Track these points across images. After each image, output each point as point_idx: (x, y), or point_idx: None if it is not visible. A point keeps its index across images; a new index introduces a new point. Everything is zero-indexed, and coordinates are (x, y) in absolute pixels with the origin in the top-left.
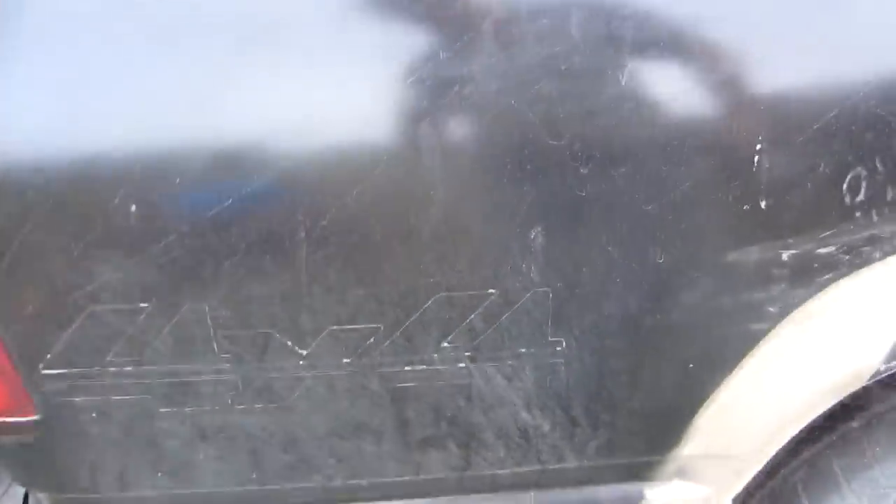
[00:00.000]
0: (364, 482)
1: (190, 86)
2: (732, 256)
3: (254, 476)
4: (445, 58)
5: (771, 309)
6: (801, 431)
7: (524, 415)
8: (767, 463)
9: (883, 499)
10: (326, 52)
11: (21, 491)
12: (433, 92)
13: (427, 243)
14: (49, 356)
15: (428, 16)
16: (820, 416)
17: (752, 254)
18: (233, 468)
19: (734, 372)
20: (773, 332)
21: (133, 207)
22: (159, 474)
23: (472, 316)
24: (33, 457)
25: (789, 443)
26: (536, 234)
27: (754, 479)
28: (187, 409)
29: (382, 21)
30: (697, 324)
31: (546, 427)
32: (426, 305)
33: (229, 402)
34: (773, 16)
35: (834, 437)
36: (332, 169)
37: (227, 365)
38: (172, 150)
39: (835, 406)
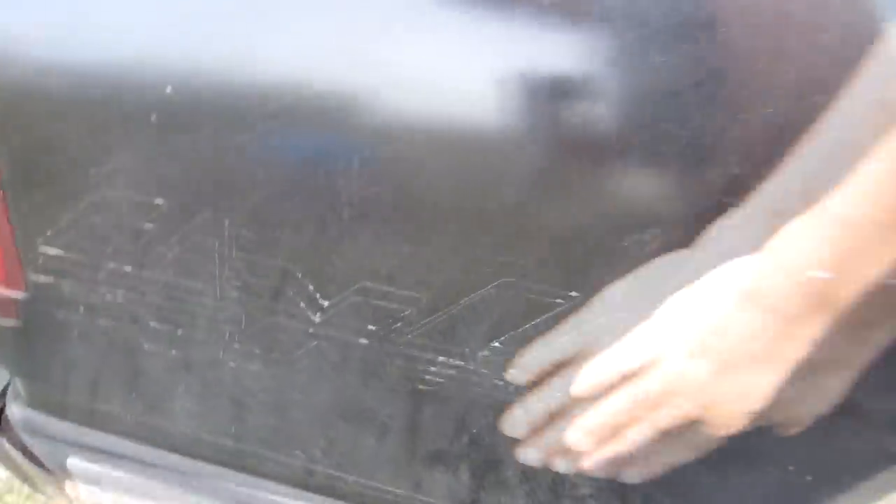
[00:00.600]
0: (349, 478)
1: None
2: None
3: (232, 429)
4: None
5: None
6: None
7: None
8: None
9: None
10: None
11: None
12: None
13: (510, 212)
14: (50, 232)
15: None
16: None
17: None
18: (211, 413)
19: None
20: None
21: (169, 88)
22: (132, 395)
23: (540, 319)
24: (16, 337)
25: None
26: (652, 238)
27: None
28: (179, 332)
29: None
30: None
31: (584, 490)
32: (487, 289)
33: (227, 336)
34: None
35: None
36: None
37: (235, 293)
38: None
39: None
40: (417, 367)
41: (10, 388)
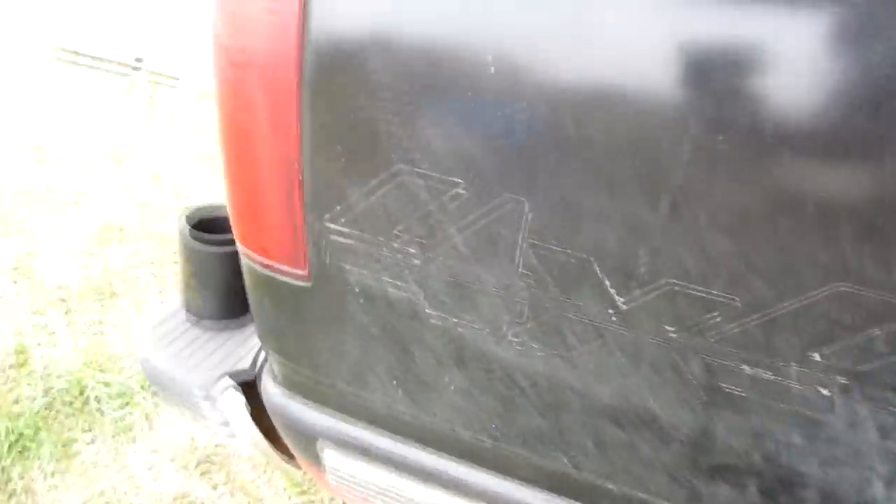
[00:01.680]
0: (614, 488)
1: None
2: None
3: (493, 426)
4: None
5: None
6: None
7: (877, 486)
8: None
9: None
10: None
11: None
12: None
13: (849, 207)
14: (339, 207)
15: None
16: None
17: None
18: (475, 409)
19: None
20: None
21: (492, 69)
22: (395, 384)
23: (877, 330)
24: (283, 314)
25: None
26: None
27: None
28: (454, 321)
29: None
30: None
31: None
32: (815, 295)
33: (505, 328)
34: None
35: None
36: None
37: (523, 283)
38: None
39: None
40: None
41: (264, 367)
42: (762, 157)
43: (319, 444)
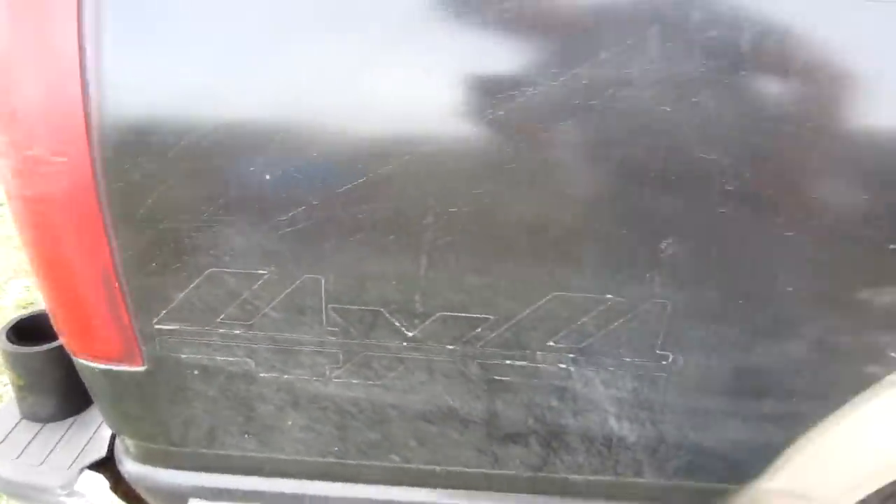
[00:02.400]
0: (439, 468)
1: (333, 70)
2: (865, 294)
3: (335, 449)
4: (604, 59)
5: (893, 354)
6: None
7: (613, 423)
8: None
9: None
10: (478, 51)
11: (107, 433)
12: (585, 91)
13: (552, 242)
14: (164, 311)
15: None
16: None
17: (888, 295)
18: (318, 439)
19: (837, 410)
20: (890, 378)
21: (267, 176)
22: (246, 436)
23: (584, 319)
24: (131, 406)
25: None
26: (667, 246)
27: None
28: (285, 377)
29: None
30: (812, 357)
31: (632, 439)
32: (540, 302)
33: (327, 373)
34: None
35: None
36: (467, 162)
37: (333, 338)
38: (312, 125)
39: None
40: None
41: (116, 448)
42: (477, 226)
43: (187, 500)
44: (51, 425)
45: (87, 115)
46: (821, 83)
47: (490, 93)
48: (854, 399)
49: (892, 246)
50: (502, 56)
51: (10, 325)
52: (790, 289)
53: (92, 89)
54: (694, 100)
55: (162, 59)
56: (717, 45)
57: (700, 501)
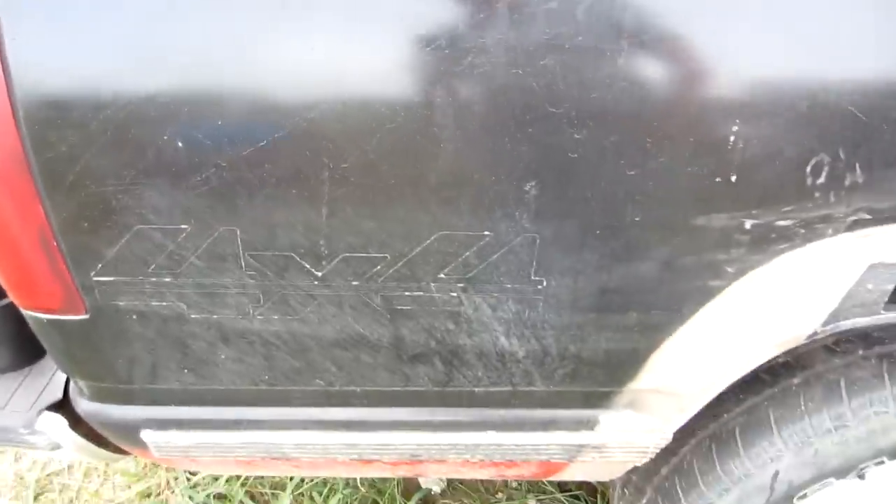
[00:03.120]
0: (358, 389)
1: (234, 37)
2: (701, 221)
3: (265, 377)
4: (463, 29)
5: (729, 269)
6: (747, 383)
7: (503, 341)
8: (714, 407)
9: (806, 447)
10: (362, 15)
11: (62, 378)
12: (449, 58)
13: (434, 189)
14: (100, 265)
15: None
16: (766, 372)
17: (720, 220)
18: (248, 369)
19: (689, 320)
20: (728, 290)
21: (179, 143)
22: (185, 371)
23: (468, 253)
24: (79, 351)
25: (735, 392)
26: (531, 188)
27: (700, 419)
28: (214, 317)
29: None
30: (662, 275)
31: (520, 353)
32: (428, 241)
33: (250, 312)
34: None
35: (775, 390)
36: (356, 119)
37: (252, 281)
38: (214, 97)
39: (781, 363)
40: None
41: (70, 391)
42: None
43: (140, 431)
44: (9, 375)
45: (10, 97)
46: (641, 47)
47: (367, 62)
48: (702, 309)
49: (717, 178)
50: (381, 26)
51: None
52: (637, 219)
53: (14, 73)
54: (542, 63)
55: (76, 41)
56: (557, 16)
57: (588, 403)
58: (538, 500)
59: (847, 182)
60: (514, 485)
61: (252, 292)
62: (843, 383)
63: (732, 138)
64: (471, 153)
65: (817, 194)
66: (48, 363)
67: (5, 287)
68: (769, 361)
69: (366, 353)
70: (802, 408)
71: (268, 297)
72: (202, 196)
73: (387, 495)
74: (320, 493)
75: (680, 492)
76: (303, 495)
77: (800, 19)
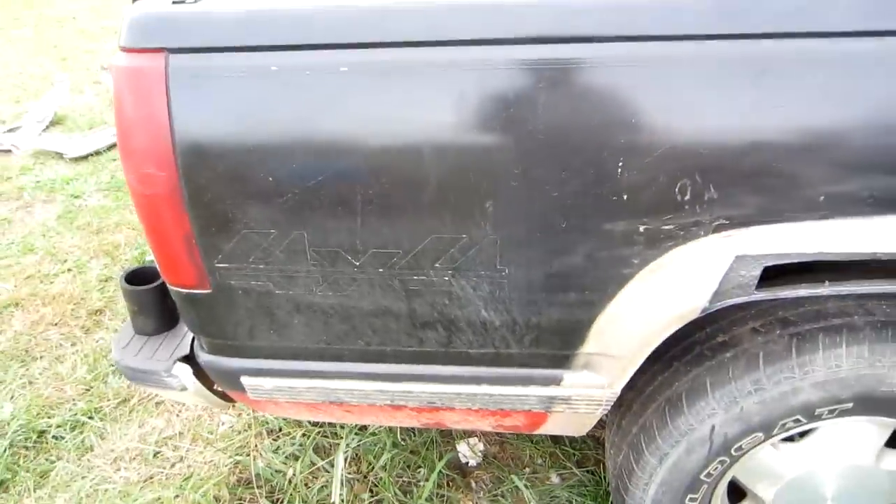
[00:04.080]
0: (388, 349)
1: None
2: (609, 227)
3: (324, 338)
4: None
5: (634, 261)
6: (695, 356)
7: (483, 313)
8: (669, 377)
9: (732, 405)
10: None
11: (189, 339)
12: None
13: (427, 207)
14: (220, 256)
15: None
16: (708, 349)
17: (621, 226)
18: (312, 332)
19: (614, 299)
20: (637, 276)
21: (270, 178)
22: (271, 332)
23: (453, 250)
24: (203, 315)
25: (685, 365)
26: (489, 205)
27: (659, 387)
28: (290, 293)
29: None
30: (588, 265)
31: (497, 322)
32: (426, 241)
33: (314, 289)
34: None
35: (713, 363)
36: (373, 165)
37: (314, 268)
38: (291, 149)
39: (720, 342)
40: None
41: (195, 348)
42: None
43: (241, 378)
44: (153, 337)
45: (174, 152)
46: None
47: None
48: (621, 291)
49: (613, 197)
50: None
51: (124, 275)
52: (563, 225)
53: (176, 139)
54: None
55: (213, 113)
56: None
57: (554, 363)
58: (559, 475)
59: (704, 197)
60: (539, 461)
61: (315, 276)
62: (761, 355)
63: (619, 170)
64: (448, 185)
65: (686, 206)
66: (180, 329)
67: (161, 270)
68: (711, 341)
69: (391, 321)
70: (730, 374)
71: (324, 279)
72: (284, 211)
73: (428, 461)
74: (371, 452)
75: (643, 445)
76: (358, 456)
77: None
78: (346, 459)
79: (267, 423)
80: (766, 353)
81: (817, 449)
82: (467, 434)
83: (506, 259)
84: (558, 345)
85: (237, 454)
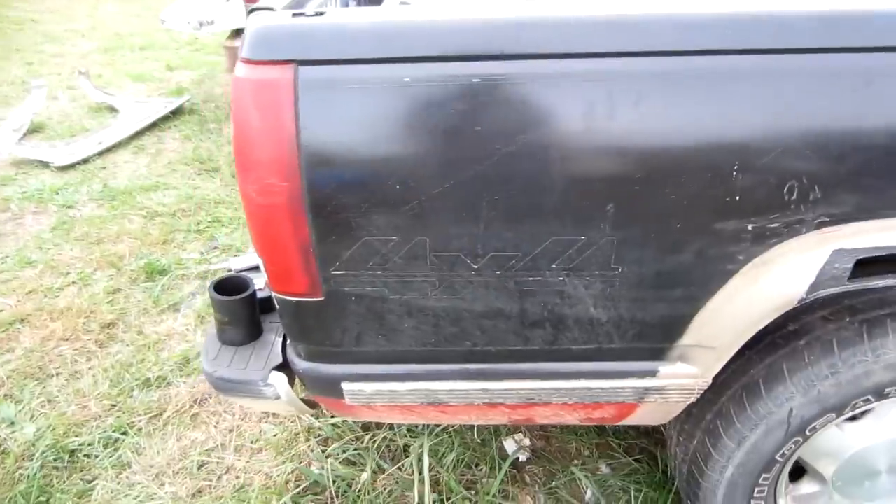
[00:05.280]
0: (493, 349)
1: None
2: (720, 226)
3: (432, 340)
4: None
5: (740, 257)
6: (767, 344)
7: (592, 310)
8: (743, 366)
9: (810, 389)
10: None
11: (279, 348)
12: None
13: (549, 211)
14: (338, 263)
15: None
16: (780, 338)
17: (731, 225)
18: (422, 334)
19: (718, 293)
20: (741, 270)
21: (397, 186)
22: (380, 336)
23: (571, 251)
24: (310, 323)
25: (759, 354)
26: (610, 208)
27: (734, 376)
28: (404, 297)
29: None
30: (696, 262)
31: (604, 319)
32: (546, 243)
33: (429, 293)
34: None
35: (787, 350)
36: (510, 169)
37: (433, 272)
38: (412, 165)
39: (791, 330)
40: None
41: (288, 356)
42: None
43: (342, 383)
44: (241, 348)
45: (299, 162)
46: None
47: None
48: (725, 285)
49: (727, 198)
50: None
51: (212, 284)
52: (678, 226)
53: (303, 150)
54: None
55: (339, 133)
56: None
57: (651, 356)
58: (608, 465)
59: (809, 197)
60: (587, 453)
61: (432, 280)
62: (834, 341)
63: (734, 173)
64: (572, 190)
65: (792, 206)
66: (267, 339)
67: (270, 279)
68: (782, 330)
69: (501, 321)
70: (806, 360)
71: (442, 283)
72: (406, 218)
73: (488, 457)
74: (438, 453)
75: (721, 430)
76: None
77: None
78: (418, 458)
79: (313, 430)
80: (840, 339)
81: (875, 426)
82: (512, 430)
83: (620, 258)
84: (659, 338)
85: (290, 461)
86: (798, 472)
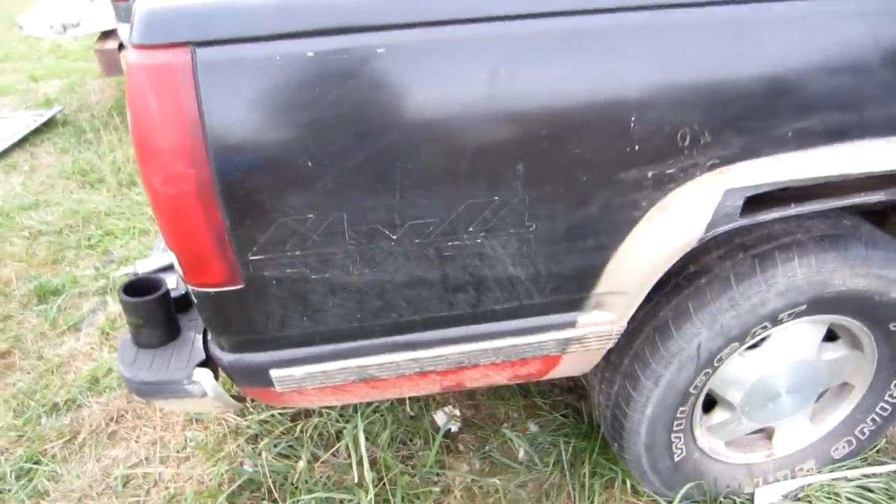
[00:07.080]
0: (419, 317)
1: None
2: (623, 175)
3: (358, 316)
4: None
5: (643, 203)
6: (672, 287)
7: (511, 269)
8: (653, 309)
9: (714, 323)
10: None
11: (200, 345)
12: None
13: (463, 175)
14: (255, 248)
15: None
16: (684, 279)
17: (633, 174)
18: (347, 312)
19: (624, 240)
20: (645, 216)
21: (309, 163)
22: (304, 318)
23: (486, 212)
24: (231, 313)
25: (665, 297)
26: (520, 167)
27: (644, 319)
28: (326, 276)
29: None
30: (604, 212)
31: (523, 276)
32: (461, 207)
33: (350, 269)
34: None
35: (690, 290)
36: (410, 140)
37: (352, 247)
38: (329, 135)
39: (692, 272)
40: None
41: (210, 351)
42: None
43: (270, 371)
44: (160, 350)
45: (206, 147)
46: None
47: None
48: (631, 231)
49: (627, 149)
50: None
51: (122, 287)
52: (584, 179)
53: (208, 134)
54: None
55: (247, 114)
56: None
57: (569, 307)
58: (536, 423)
59: (701, 142)
60: (515, 415)
61: (353, 255)
62: (731, 277)
63: (632, 126)
64: (482, 152)
65: (685, 151)
66: (186, 337)
67: (184, 273)
68: (684, 272)
69: (424, 290)
70: (708, 297)
71: (362, 257)
72: (323, 195)
73: (421, 431)
74: (372, 433)
75: (639, 372)
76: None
77: None
78: (353, 440)
79: (241, 430)
80: (736, 274)
81: (773, 352)
82: (441, 402)
83: (533, 216)
84: (575, 289)
85: (221, 463)
86: (710, 404)
